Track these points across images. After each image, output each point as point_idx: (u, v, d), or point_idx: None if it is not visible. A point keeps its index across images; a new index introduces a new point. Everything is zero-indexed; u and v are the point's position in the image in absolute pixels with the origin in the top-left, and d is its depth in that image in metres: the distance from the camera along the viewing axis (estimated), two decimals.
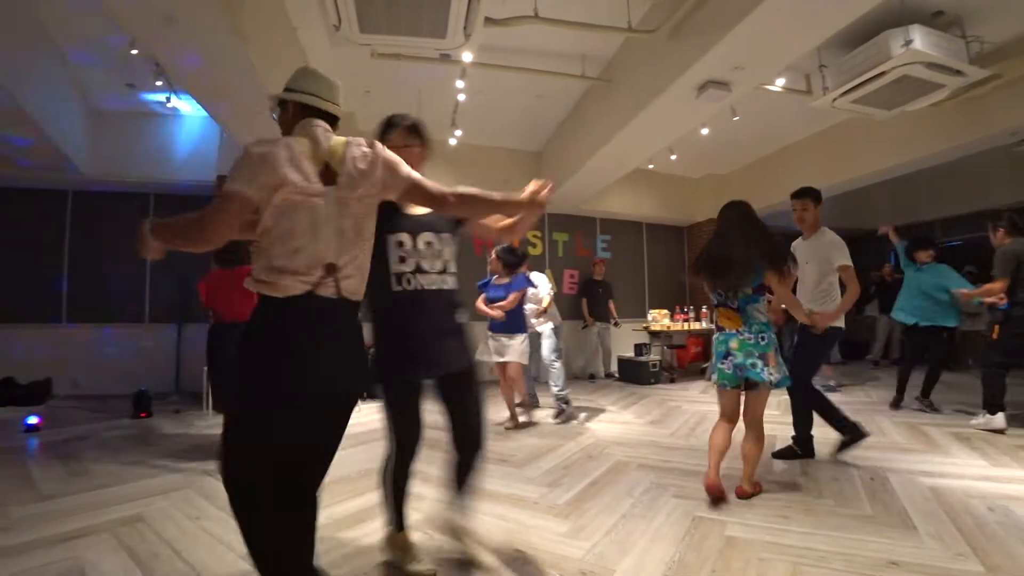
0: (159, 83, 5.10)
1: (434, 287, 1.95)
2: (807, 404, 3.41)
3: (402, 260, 1.91)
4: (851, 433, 3.33)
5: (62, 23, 4.63)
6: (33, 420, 4.63)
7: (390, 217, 1.87)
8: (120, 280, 6.76)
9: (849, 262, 3.27)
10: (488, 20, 3.49)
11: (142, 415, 5.19)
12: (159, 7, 2.92)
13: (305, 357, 1.44)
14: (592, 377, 8.07)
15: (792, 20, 3.39)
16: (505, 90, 5.73)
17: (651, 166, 7.71)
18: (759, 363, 2.70)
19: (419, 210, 1.98)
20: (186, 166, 6.39)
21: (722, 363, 2.81)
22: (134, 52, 4.52)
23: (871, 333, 9.03)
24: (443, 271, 1.99)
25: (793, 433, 3.48)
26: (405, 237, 1.92)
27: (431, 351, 1.91)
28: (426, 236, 1.95)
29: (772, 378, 2.70)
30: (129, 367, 6.50)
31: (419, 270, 1.92)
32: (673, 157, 7.14)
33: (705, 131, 5.98)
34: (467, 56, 4.11)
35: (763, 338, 2.73)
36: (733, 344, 2.77)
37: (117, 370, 6.50)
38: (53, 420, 5.00)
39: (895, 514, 2.48)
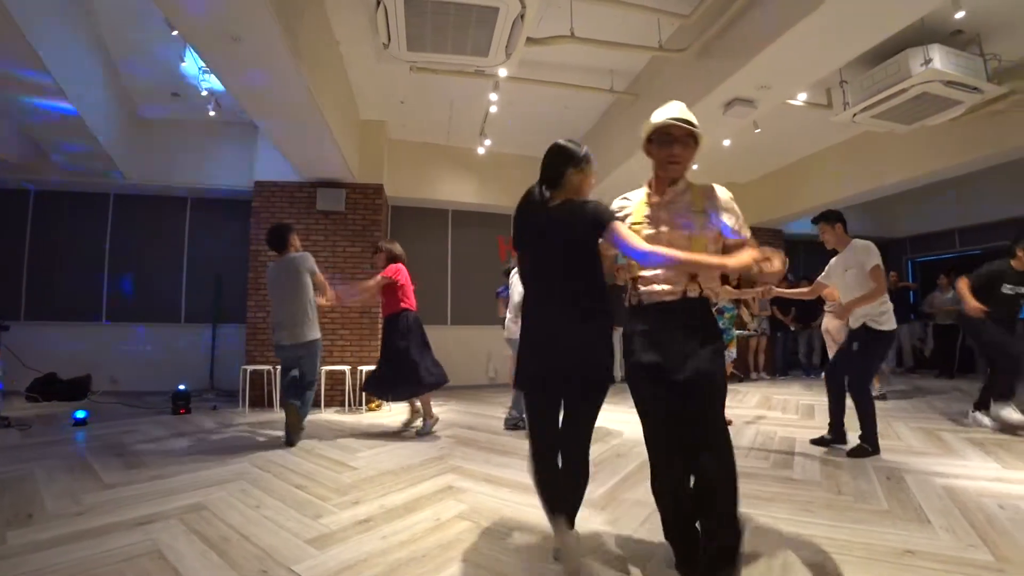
0: (204, 94, 5.35)
1: None
2: (867, 405, 3.68)
3: None
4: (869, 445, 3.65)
5: (116, 34, 4.91)
6: (82, 415, 4.86)
7: None
8: (158, 281, 7.06)
9: (877, 261, 3.59)
10: (528, 40, 3.68)
11: (182, 411, 5.41)
12: (227, 27, 3.13)
13: None
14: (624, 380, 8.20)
15: (819, 44, 3.56)
16: (533, 101, 5.92)
17: None
18: None
19: None
20: (223, 172, 6.66)
21: None
22: (184, 64, 4.79)
23: None
24: None
25: (860, 433, 3.71)
26: None
27: None
28: None
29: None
30: (165, 365, 6.77)
31: None
32: (695, 167, 7.25)
33: (727, 142, 6.13)
34: (503, 72, 4.31)
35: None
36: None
37: (154, 368, 6.78)
38: (95, 415, 5.22)
39: (911, 510, 2.63)
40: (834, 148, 7.20)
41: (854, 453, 3.65)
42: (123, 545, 2.33)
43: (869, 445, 3.65)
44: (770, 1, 3.59)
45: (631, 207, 2.08)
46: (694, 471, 1.87)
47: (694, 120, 1.95)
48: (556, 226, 2.02)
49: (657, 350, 1.90)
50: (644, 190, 2.10)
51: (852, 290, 3.72)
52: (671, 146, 1.94)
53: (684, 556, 1.95)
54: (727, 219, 1.95)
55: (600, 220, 1.94)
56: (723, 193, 1.99)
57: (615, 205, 2.15)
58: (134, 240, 7.02)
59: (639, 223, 2.00)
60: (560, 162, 2.07)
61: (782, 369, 8.77)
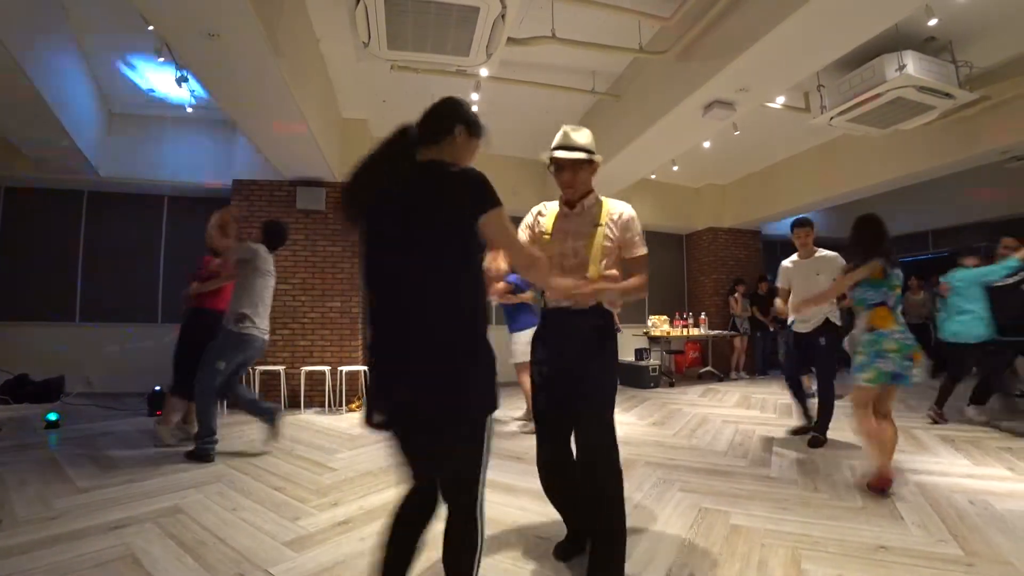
0: (181, 89, 5.25)
1: None
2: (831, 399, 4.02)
3: None
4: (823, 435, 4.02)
5: (88, 26, 4.79)
6: (54, 417, 4.74)
7: None
8: (134, 280, 6.91)
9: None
10: (510, 40, 3.68)
11: (158, 413, 5.28)
12: (202, 24, 3.08)
13: None
14: None
15: (796, 48, 3.63)
16: (515, 101, 5.91)
17: (653, 176, 7.94)
18: (911, 363, 2.89)
19: None
20: (201, 169, 6.53)
21: (878, 362, 2.91)
22: (160, 60, 4.70)
23: None
24: None
25: (816, 423, 4.08)
26: None
27: None
28: None
29: (919, 378, 2.92)
30: (141, 366, 6.60)
31: None
32: (675, 168, 7.36)
33: (707, 144, 6.20)
34: (484, 72, 4.30)
35: (910, 337, 2.95)
36: (890, 345, 2.91)
37: (129, 369, 6.63)
38: (68, 417, 5.10)
39: (884, 506, 2.70)
40: (812, 151, 7.33)
41: (814, 443, 3.96)
42: (96, 550, 2.29)
43: (824, 435, 4.01)
44: (749, 5, 3.65)
45: (545, 219, 2.15)
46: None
47: (584, 142, 2.04)
48: (420, 191, 1.41)
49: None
50: (557, 203, 2.17)
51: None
52: (562, 173, 2.05)
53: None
54: (622, 234, 2.03)
55: (486, 197, 1.38)
56: (626, 210, 2.06)
57: (533, 211, 2.22)
58: (109, 238, 6.87)
59: (548, 233, 2.09)
60: (451, 114, 1.52)
61: (761, 369, 8.89)
